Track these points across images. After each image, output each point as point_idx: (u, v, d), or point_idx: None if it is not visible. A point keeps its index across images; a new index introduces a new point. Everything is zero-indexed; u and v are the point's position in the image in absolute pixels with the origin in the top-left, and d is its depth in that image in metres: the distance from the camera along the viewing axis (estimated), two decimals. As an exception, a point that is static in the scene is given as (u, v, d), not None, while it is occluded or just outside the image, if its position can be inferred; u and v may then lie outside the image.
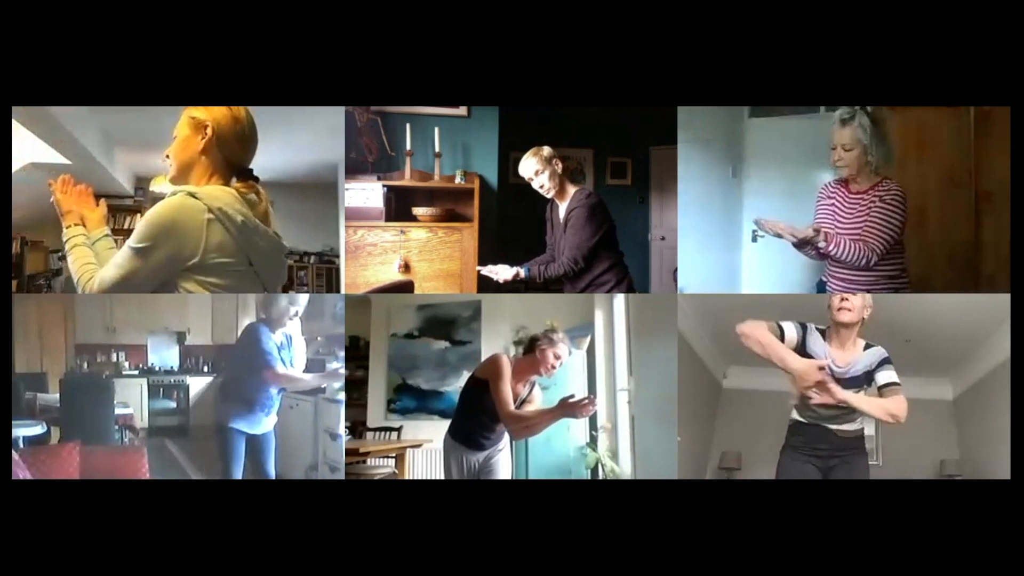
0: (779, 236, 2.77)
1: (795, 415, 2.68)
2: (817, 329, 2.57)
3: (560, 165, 3.31)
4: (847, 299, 2.52)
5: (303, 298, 3.10)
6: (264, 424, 3.13)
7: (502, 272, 3.38)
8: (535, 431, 2.85)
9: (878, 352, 2.54)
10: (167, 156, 2.14)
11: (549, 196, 3.35)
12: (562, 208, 3.35)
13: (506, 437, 2.84)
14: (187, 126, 2.12)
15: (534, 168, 3.28)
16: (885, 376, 2.50)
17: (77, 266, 2.14)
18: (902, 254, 2.84)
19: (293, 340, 3.11)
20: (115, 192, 6.54)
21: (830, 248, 2.73)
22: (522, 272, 3.36)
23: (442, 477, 4.31)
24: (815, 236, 2.70)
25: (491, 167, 4.45)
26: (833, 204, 2.88)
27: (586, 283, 3.33)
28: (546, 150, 3.29)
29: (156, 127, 2.32)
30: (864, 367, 2.52)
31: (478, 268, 3.58)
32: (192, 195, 2.03)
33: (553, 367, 2.81)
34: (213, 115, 2.12)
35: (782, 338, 2.52)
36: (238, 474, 3.03)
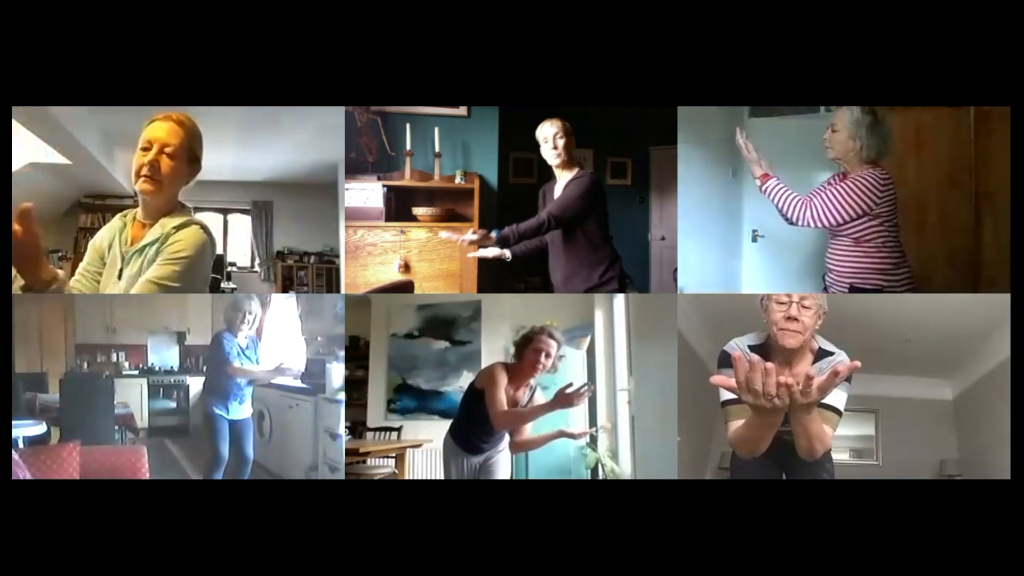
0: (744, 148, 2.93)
1: None
2: (750, 347, 2.03)
3: (573, 143, 3.29)
4: (796, 318, 1.94)
5: (251, 302, 3.56)
6: (239, 411, 3.59)
7: (468, 237, 3.26)
8: (532, 443, 2.86)
9: (833, 362, 1.95)
10: (153, 166, 2.17)
11: (555, 162, 3.27)
12: (560, 183, 3.30)
13: (505, 441, 2.83)
14: (185, 150, 2.21)
15: (554, 131, 3.24)
16: (836, 397, 1.90)
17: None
18: (899, 249, 2.84)
19: (259, 340, 3.67)
20: (115, 192, 6.56)
21: (760, 185, 2.88)
22: (493, 235, 3.24)
23: (442, 477, 4.33)
24: (758, 163, 2.87)
25: (491, 167, 4.45)
26: (826, 190, 2.90)
27: (580, 262, 3.28)
28: (567, 124, 3.29)
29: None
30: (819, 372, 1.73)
31: (443, 235, 3.50)
32: (204, 229, 2.22)
33: (543, 365, 2.78)
34: (199, 150, 2.28)
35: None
36: (225, 451, 3.51)
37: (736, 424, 1.85)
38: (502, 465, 2.84)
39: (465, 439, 2.85)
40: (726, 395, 1.86)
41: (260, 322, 3.65)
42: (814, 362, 1.97)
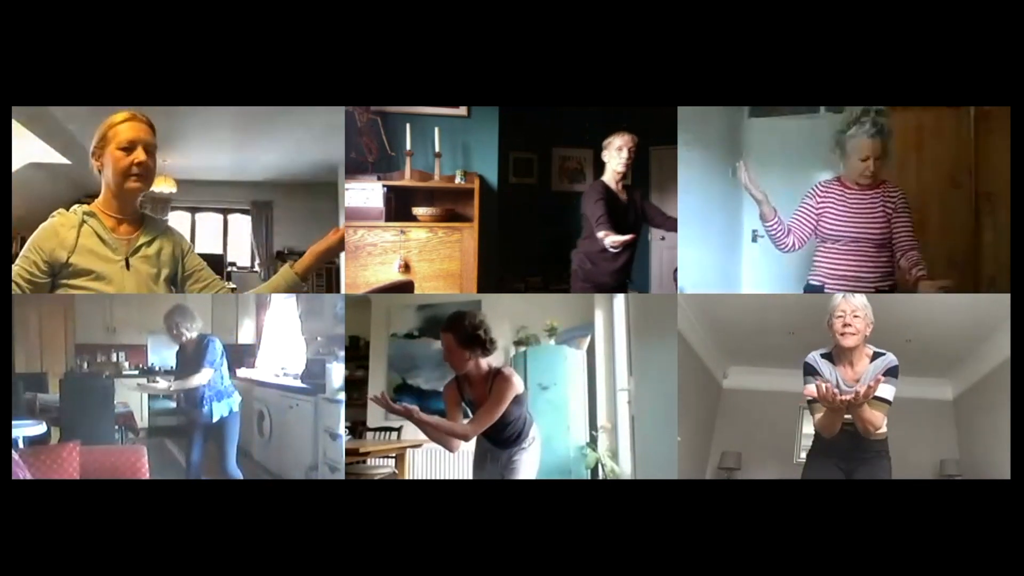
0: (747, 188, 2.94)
1: None
2: (821, 356, 2.60)
3: None
4: (849, 323, 2.51)
5: (174, 317, 3.52)
6: (211, 413, 3.54)
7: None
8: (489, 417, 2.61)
9: (885, 362, 2.52)
10: (144, 166, 2.34)
11: (621, 169, 3.46)
12: (619, 188, 3.51)
13: (531, 436, 2.75)
14: (156, 148, 2.37)
15: (629, 144, 3.45)
16: (883, 390, 2.45)
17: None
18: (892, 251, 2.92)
19: (209, 344, 3.57)
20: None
21: (773, 229, 2.94)
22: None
23: (441, 477, 4.33)
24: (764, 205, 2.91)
25: (491, 167, 4.45)
26: (831, 202, 2.93)
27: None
28: None
29: (156, 127, 2.35)
30: (870, 378, 2.47)
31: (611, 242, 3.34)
32: None
33: (448, 364, 2.65)
34: None
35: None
36: (193, 455, 3.60)
37: (818, 415, 2.52)
38: (525, 464, 2.70)
39: (490, 434, 2.76)
40: (806, 392, 2.52)
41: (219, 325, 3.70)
42: (871, 361, 2.54)
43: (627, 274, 3.57)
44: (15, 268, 2.28)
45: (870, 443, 2.55)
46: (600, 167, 3.60)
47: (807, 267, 3.20)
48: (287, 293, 2.52)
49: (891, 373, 2.48)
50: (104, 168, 2.32)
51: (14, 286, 2.26)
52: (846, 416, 2.48)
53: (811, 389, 2.43)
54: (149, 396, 6.28)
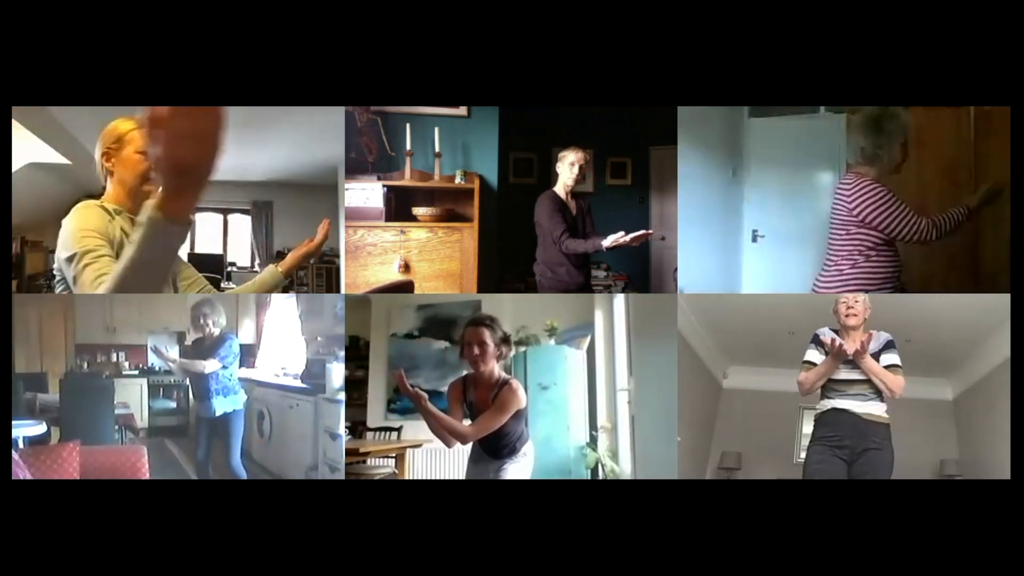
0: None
1: (824, 404, 2.77)
2: (831, 330, 2.89)
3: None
4: (852, 306, 2.83)
5: (210, 302, 3.62)
6: (213, 407, 3.62)
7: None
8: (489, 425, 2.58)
9: (882, 337, 2.81)
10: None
11: (570, 183, 3.58)
12: (569, 202, 3.63)
13: (523, 452, 2.72)
14: None
15: (581, 161, 3.57)
16: (888, 358, 2.77)
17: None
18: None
19: (227, 341, 3.65)
20: (115, 192, 6.54)
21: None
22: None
23: (441, 477, 4.33)
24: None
25: (491, 167, 4.45)
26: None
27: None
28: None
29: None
30: (871, 351, 2.76)
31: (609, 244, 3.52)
32: None
33: (476, 356, 2.57)
34: None
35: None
36: (199, 452, 3.73)
37: (805, 374, 2.82)
38: (511, 473, 2.64)
39: (484, 443, 2.74)
40: (807, 356, 2.85)
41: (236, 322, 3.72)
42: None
43: (587, 277, 3.71)
44: (87, 266, 2.07)
45: (873, 431, 2.71)
46: (599, 167, 3.61)
47: (807, 267, 3.21)
48: (272, 292, 2.55)
49: (889, 345, 2.79)
50: (117, 170, 2.31)
51: (100, 285, 2.01)
52: (850, 406, 2.75)
53: (826, 339, 2.79)
54: (150, 394, 6.30)
